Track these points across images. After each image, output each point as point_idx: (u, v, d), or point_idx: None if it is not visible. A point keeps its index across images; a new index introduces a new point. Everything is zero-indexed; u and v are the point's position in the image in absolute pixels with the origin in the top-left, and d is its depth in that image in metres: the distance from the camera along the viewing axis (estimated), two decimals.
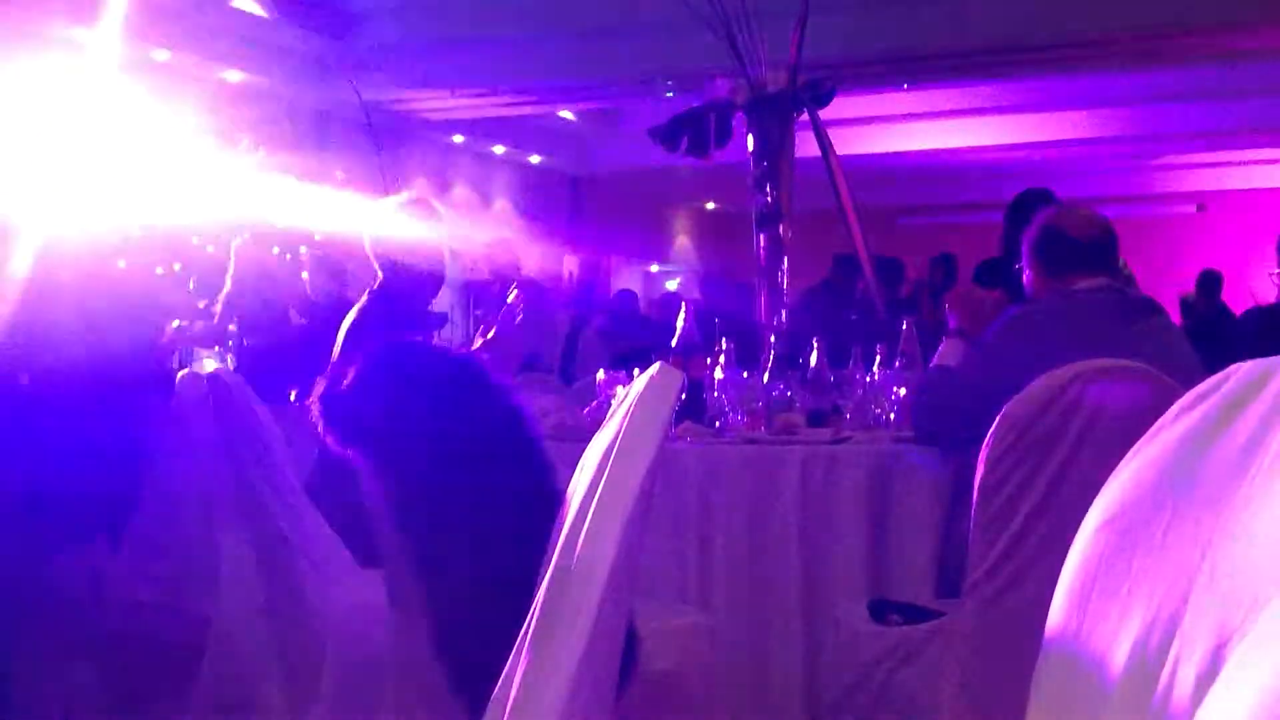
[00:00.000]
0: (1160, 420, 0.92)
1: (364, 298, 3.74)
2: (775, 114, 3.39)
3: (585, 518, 1.20)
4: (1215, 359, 2.51)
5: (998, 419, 2.35)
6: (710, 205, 19.60)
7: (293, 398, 5.46)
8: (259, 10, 10.22)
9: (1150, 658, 0.83)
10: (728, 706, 2.77)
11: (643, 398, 1.28)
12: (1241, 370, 0.85)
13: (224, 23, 10.44)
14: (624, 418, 1.26)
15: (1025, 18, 9.52)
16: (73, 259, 3.23)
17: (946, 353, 3.12)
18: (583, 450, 1.49)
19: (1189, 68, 11.19)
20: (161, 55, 10.45)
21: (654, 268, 19.27)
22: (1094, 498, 0.98)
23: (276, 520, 2.85)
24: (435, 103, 12.07)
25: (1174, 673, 0.79)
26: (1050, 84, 12.10)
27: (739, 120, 3.52)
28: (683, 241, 20.11)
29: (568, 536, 1.26)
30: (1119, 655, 0.86)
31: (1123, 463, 0.93)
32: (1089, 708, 0.87)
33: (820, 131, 3.44)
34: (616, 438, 1.24)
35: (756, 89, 3.37)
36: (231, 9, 10.05)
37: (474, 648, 2.04)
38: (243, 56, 10.94)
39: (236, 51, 10.87)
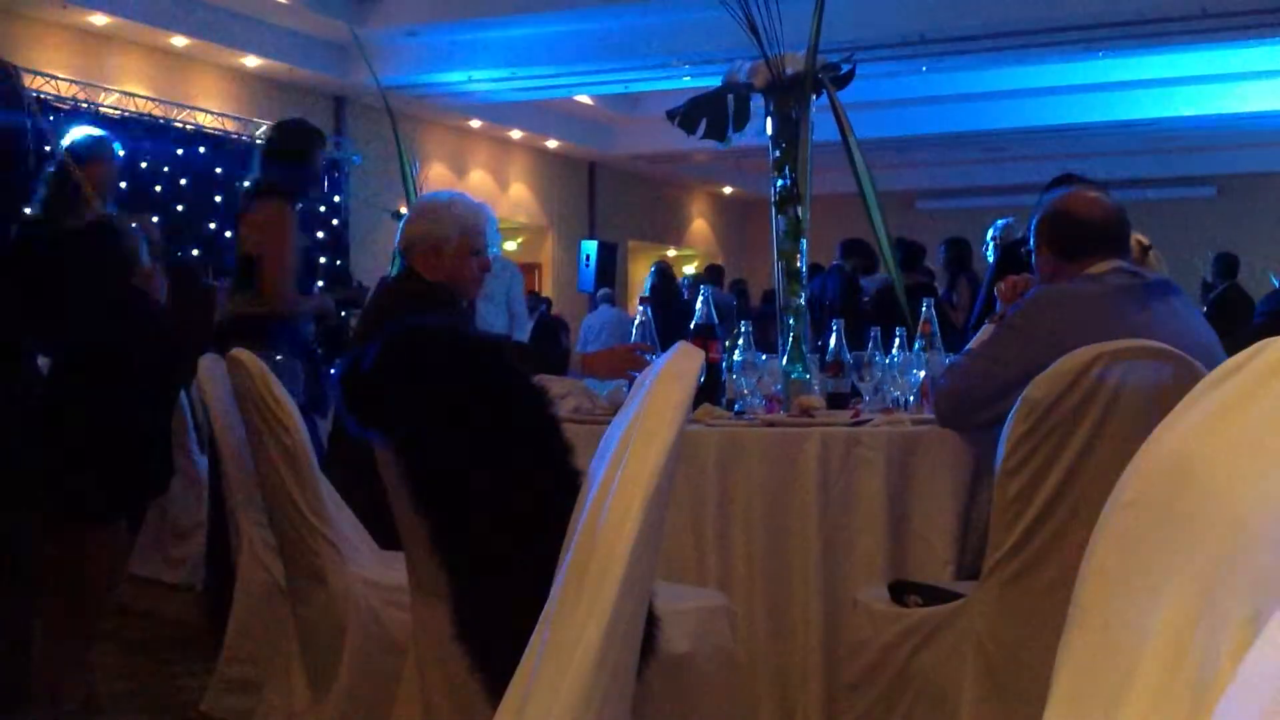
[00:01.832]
0: (1187, 396, 0.92)
1: (384, 282, 3.74)
2: (794, 96, 3.37)
3: (607, 498, 1.20)
4: (1235, 341, 2.49)
5: (1019, 401, 2.34)
6: (727, 189, 19.57)
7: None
8: None
9: (1180, 630, 0.82)
10: (746, 688, 2.77)
11: (664, 378, 1.27)
12: (1273, 345, 0.84)
13: (241, 7, 10.45)
14: (645, 398, 1.26)
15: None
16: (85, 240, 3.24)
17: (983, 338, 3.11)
18: (600, 434, 1.49)
19: None
20: (179, 41, 10.47)
21: (670, 251, 19.25)
22: (1115, 479, 0.97)
23: (296, 501, 2.85)
24: (452, 87, 12.07)
25: (1205, 644, 0.78)
26: (1077, 64, 12.03)
27: (757, 103, 3.50)
28: (699, 225, 20.08)
29: (589, 517, 1.26)
30: (1147, 628, 0.85)
31: (1150, 438, 0.92)
32: (1117, 681, 0.86)
33: (839, 114, 3.43)
34: (638, 418, 1.24)
35: (775, 71, 3.35)
36: None
37: (494, 629, 2.04)
38: (260, 41, 10.96)
39: (254, 36, 10.89)
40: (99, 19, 9.75)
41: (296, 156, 4.43)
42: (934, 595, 2.55)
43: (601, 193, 17.03)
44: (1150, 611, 0.88)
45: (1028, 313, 2.78)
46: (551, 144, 15.41)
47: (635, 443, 1.19)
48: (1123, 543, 0.95)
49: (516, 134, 14.68)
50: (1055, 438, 2.31)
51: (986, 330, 3.13)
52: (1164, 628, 0.86)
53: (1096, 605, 0.95)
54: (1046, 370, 2.33)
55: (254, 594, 3.39)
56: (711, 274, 12.96)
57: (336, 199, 12.18)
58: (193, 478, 5.24)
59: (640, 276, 15.51)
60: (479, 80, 11.89)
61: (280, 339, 4.20)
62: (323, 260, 11.65)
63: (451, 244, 3.43)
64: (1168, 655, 0.84)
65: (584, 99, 14.18)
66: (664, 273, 11.38)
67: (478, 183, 14.23)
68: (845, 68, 3.49)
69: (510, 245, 15.21)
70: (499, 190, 14.65)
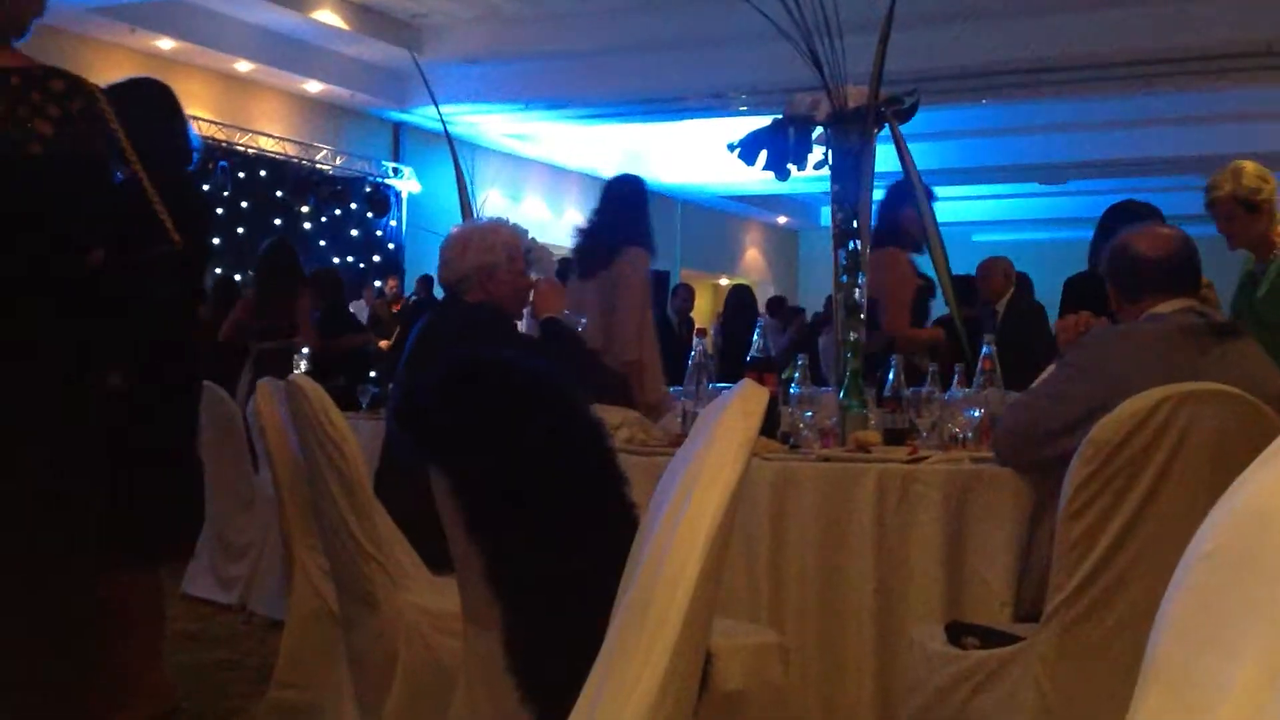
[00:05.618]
0: (1268, 449, 0.89)
1: (438, 309, 3.75)
2: (856, 129, 3.35)
3: (669, 537, 1.19)
4: None
5: (1084, 442, 2.31)
6: (781, 219, 19.55)
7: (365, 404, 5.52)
8: (340, 22, 10.35)
9: (1260, 689, 0.80)
10: None
11: (729, 414, 1.26)
12: None
13: (304, 34, 10.59)
14: (710, 436, 1.24)
15: (1107, 33, 9.43)
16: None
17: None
18: (654, 465, 1.48)
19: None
20: (243, 66, 10.62)
21: (723, 280, 19.23)
22: (1182, 523, 0.95)
23: (350, 526, 2.86)
24: (509, 115, 12.17)
25: None
26: (1132, 100, 11.94)
27: (819, 136, 3.49)
28: (753, 255, 20.07)
29: (650, 556, 1.24)
30: (1226, 686, 0.83)
31: (1229, 489, 0.90)
32: None
33: (902, 147, 3.41)
34: (702, 456, 1.22)
35: (837, 104, 3.34)
36: (312, 20, 10.19)
37: (546, 661, 2.03)
38: (323, 67, 11.10)
39: (316, 62, 11.03)
40: (165, 43, 9.92)
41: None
42: (992, 638, 2.51)
43: (654, 220, 17.07)
44: (1228, 669, 0.85)
45: (1088, 351, 2.74)
46: (606, 172, 15.49)
47: (699, 482, 1.18)
48: (1200, 596, 0.92)
49: (571, 162, 14.76)
50: (1120, 480, 2.28)
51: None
52: (1243, 686, 0.84)
53: (1172, 660, 0.93)
54: (1112, 412, 2.29)
55: (305, 618, 3.40)
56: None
57: (392, 223, 12.28)
58: (247, 498, 5.28)
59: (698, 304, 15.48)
60: (535, 108, 11.97)
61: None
62: (377, 284, 11.78)
63: (502, 269, 3.45)
64: (1246, 715, 0.82)
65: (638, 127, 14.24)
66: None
67: (533, 209, 14.31)
68: (908, 101, 3.47)
69: None
70: (554, 217, 14.72)
